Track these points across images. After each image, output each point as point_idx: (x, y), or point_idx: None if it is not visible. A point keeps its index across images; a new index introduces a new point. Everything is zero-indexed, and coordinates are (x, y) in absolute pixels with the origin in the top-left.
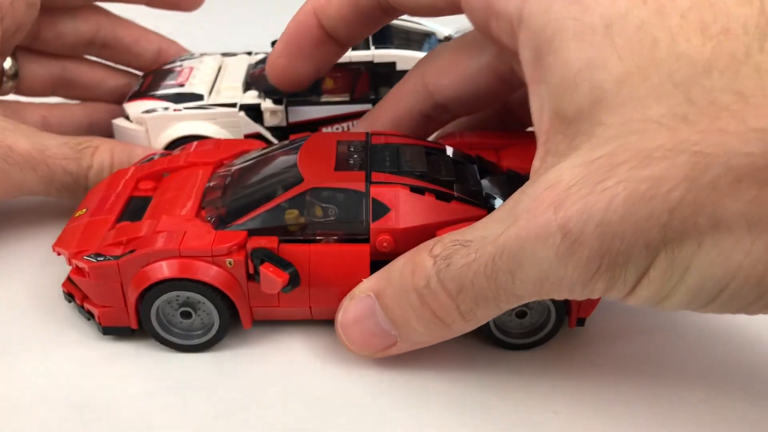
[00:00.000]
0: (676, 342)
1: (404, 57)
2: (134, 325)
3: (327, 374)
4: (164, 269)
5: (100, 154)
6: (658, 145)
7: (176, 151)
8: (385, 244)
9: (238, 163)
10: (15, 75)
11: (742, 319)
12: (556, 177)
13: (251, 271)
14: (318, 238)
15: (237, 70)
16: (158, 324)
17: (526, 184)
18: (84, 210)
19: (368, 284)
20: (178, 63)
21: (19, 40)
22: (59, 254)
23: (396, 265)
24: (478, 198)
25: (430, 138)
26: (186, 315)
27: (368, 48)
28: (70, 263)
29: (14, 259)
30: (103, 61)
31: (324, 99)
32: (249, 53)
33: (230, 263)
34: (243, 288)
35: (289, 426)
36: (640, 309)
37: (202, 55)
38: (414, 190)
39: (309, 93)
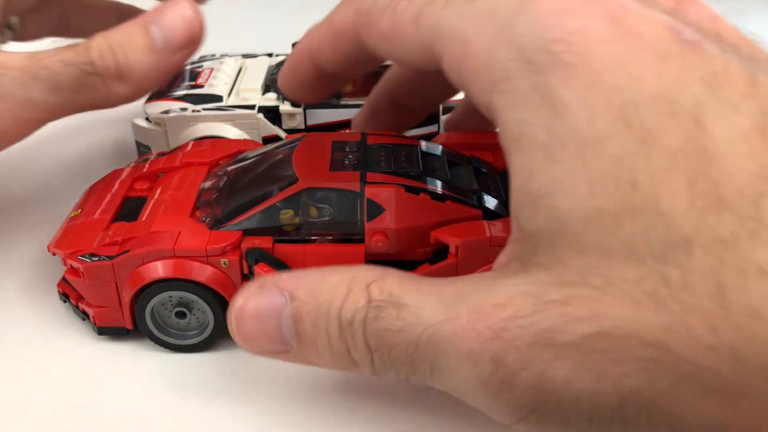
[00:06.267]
0: None
1: None
2: (129, 326)
3: (326, 374)
4: (159, 269)
5: (93, 38)
6: (617, 317)
7: (172, 151)
8: (380, 244)
9: (234, 164)
10: (14, 25)
11: None
12: (505, 297)
13: (246, 271)
14: (313, 238)
15: (257, 71)
16: (153, 324)
17: (486, 275)
18: (79, 210)
19: (287, 281)
20: (198, 64)
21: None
22: (54, 254)
23: (330, 278)
24: (474, 198)
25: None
26: (181, 315)
27: None
28: (65, 263)
29: (9, 259)
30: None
31: (343, 102)
32: (269, 55)
33: (225, 263)
34: (238, 288)
35: (288, 426)
36: None
37: (222, 56)
38: (409, 190)
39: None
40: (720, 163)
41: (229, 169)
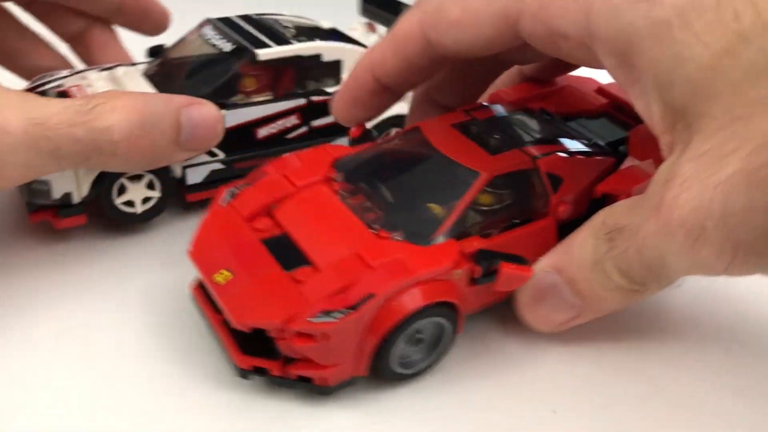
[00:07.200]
0: (676, 342)
1: (328, 48)
2: (364, 373)
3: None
4: (412, 300)
5: (124, 112)
6: (766, 128)
7: (260, 178)
8: (565, 212)
9: (362, 174)
10: None
11: (745, 318)
12: (670, 173)
13: (477, 275)
14: (510, 223)
15: (134, 81)
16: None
17: (657, 174)
18: (225, 271)
19: (548, 261)
20: (58, 83)
21: None
22: (252, 328)
23: (576, 241)
24: (596, 146)
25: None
26: (417, 341)
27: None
28: (279, 333)
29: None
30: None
31: (254, 99)
32: (119, 65)
33: (458, 274)
34: (466, 294)
35: (286, 426)
36: (639, 308)
37: (73, 72)
38: (568, 154)
39: (227, 96)
40: None
41: (366, 182)
